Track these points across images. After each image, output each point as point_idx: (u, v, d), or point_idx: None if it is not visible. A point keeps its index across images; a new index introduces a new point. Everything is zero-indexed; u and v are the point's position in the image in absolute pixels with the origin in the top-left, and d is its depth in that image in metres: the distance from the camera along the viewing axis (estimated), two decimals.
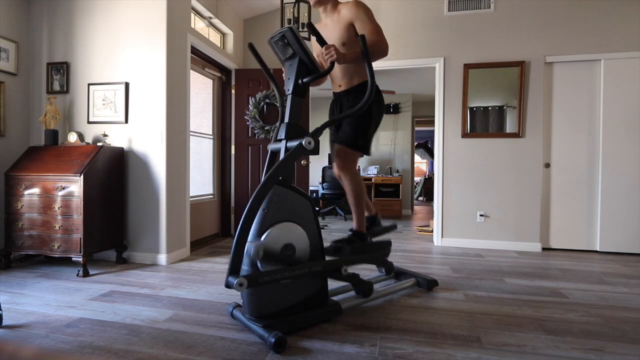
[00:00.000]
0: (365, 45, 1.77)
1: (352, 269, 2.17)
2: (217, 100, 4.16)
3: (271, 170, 1.67)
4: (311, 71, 1.82)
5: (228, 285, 1.53)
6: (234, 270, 1.57)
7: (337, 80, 2.14)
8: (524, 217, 3.57)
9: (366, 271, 2.68)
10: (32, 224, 2.67)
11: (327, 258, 1.91)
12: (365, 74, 2.10)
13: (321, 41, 1.87)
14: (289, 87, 1.84)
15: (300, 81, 1.81)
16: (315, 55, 2.22)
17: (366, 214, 2.29)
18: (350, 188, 2.09)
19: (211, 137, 4.10)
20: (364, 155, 2.13)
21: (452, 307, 2.04)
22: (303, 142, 1.70)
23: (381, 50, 1.95)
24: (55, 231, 2.62)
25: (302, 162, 4.00)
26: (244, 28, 4.35)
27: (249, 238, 1.65)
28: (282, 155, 1.81)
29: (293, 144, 1.76)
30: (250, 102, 4.02)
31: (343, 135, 2.07)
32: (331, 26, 2.05)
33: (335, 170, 2.12)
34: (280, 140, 1.84)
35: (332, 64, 1.79)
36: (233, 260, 1.57)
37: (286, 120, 1.84)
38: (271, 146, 1.92)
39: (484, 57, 3.64)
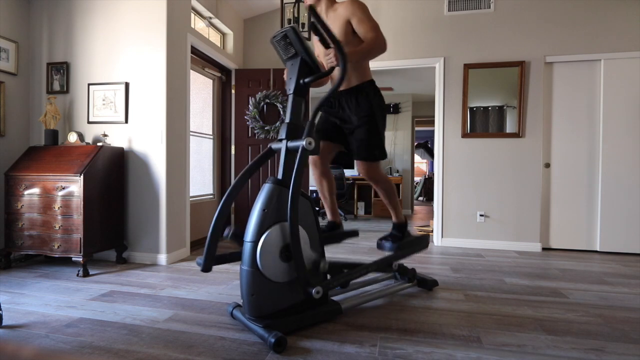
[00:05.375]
0: (314, 12, 1.76)
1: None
2: (217, 100, 4.17)
3: (292, 186, 1.66)
4: (313, 71, 1.81)
5: (308, 293, 1.66)
6: (308, 282, 1.66)
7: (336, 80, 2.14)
8: (524, 217, 3.57)
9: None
10: (32, 224, 2.67)
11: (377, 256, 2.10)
12: (364, 74, 2.10)
13: (324, 42, 1.87)
14: (290, 87, 1.84)
15: (302, 81, 1.81)
16: (316, 54, 2.22)
17: (330, 218, 2.31)
18: (383, 191, 2.24)
19: (211, 137, 4.10)
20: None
21: (452, 307, 2.04)
22: (304, 144, 1.69)
23: (379, 47, 1.94)
24: (55, 231, 2.62)
25: None
26: (244, 28, 4.35)
27: (249, 238, 1.65)
28: (282, 155, 1.80)
29: (294, 144, 1.76)
30: (250, 102, 4.02)
31: (362, 152, 2.09)
32: (328, 25, 2.04)
33: (364, 176, 2.21)
34: (281, 140, 1.84)
35: (333, 67, 1.79)
36: (300, 270, 1.64)
37: (287, 119, 1.84)
38: (274, 145, 1.92)
39: (484, 57, 3.64)
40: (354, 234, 2.36)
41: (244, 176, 1.88)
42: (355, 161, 2.17)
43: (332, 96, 2.11)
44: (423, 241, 2.37)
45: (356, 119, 2.07)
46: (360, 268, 1.97)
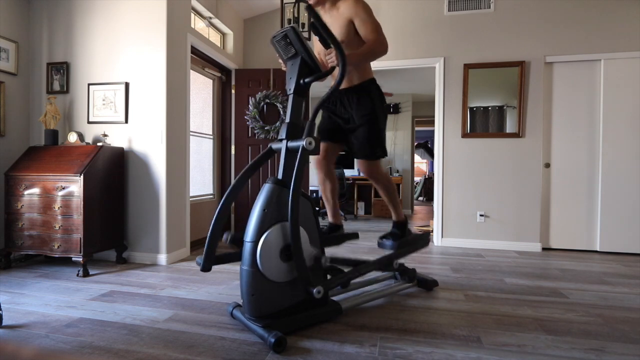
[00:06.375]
0: (313, 11, 1.76)
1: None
2: (217, 100, 4.16)
3: (292, 186, 1.66)
4: (313, 71, 1.81)
5: (309, 293, 1.65)
6: (309, 281, 1.66)
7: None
8: (524, 217, 3.57)
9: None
10: (32, 224, 2.67)
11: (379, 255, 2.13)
12: (365, 72, 2.10)
13: (324, 42, 1.87)
14: (290, 87, 1.83)
15: (302, 81, 1.80)
16: (316, 53, 2.22)
17: (331, 220, 2.31)
18: (383, 189, 2.25)
19: (211, 137, 4.10)
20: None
21: (452, 307, 2.04)
22: (304, 144, 1.69)
23: (381, 49, 1.94)
24: (55, 231, 2.62)
25: None
26: (244, 28, 4.35)
27: (249, 238, 1.65)
28: (282, 155, 1.80)
29: (294, 144, 1.76)
30: (250, 102, 4.02)
31: (363, 151, 2.10)
32: (330, 24, 2.03)
33: (365, 174, 2.22)
34: (281, 140, 1.84)
35: (333, 67, 1.79)
36: (301, 270, 1.64)
37: (287, 119, 1.84)
38: (274, 145, 1.92)
39: (484, 57, 3.64)
40: (353, 236, 2.35)
41: (244, 176, 1.89)
42: (356, 160, 2.17)
43: (333, 95, 2.11)
44: (423, 239, 2.39)
45: (358, 117, 2.07)
46: (361, 267, 1.97)
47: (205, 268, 1.78)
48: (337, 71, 2.09)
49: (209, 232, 1.79)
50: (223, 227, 1.83)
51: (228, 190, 1.83)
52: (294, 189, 1.64)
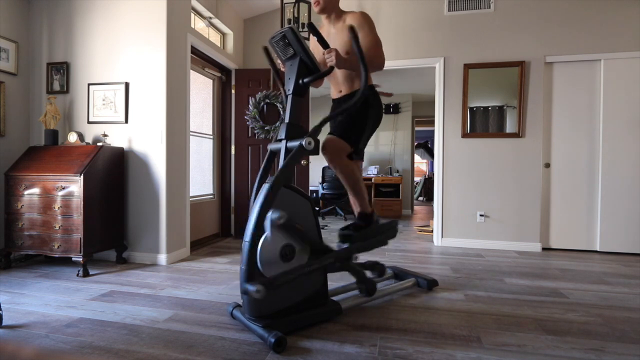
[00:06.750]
0: (356, 37, 1.75)
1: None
2: (217, 100, 4.16)
3: (276, 174, 1.66)
4: (312, 71, 1.82)
5: (245, 292, 1.54)
6: (250, 276, 1.57)
7: (338, 85, 2.14)
8: (524, 217, 3.57)
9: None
10: (32, 224, 2.67)
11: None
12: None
13: (322, 42, 1.87)
14: (289, 87, 1.84)
15: (300, 81, 1.81)
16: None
17: (358, 209, 2.11)
18: (343, 175, 2.00)
19: (211, 137, 4.10)
20: (355, 155, 2.04)
21: (452, 307, 2.04)
22: (303, 143, 1.70)
23: (378, 62, 1.96)
24: (55, 231, 2.62)
25: (302, 162, 4.00)
26: (244, 28, 4.35)
27: (248, 238, 1.65)
28: (282, 156, 1.80)
29: (293, 144, 1.76)
30: (250, 102, 4.02)
31: (336, 126, 2.02)
32: (335, 35, 2.06)
33: (327, 158, 1.99)
34: (280, 140, 1.84)
35: (332, 67, 1.80)
36: (248, 266, 1.56)
37: (286, 120, 1.84)
38: (271, 146, 1.92)
39: (484, 57, 3.64)
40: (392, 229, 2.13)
41: (260, 184, 1.87)
42: (324, 141, 1.98)
43: (336, 102, 2.13)
44: (390, 230, 2.11)
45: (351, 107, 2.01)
46: (310, 263, 1.72)
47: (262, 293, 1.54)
48: (337, 77, 2.10)
49: (247, 253, 1.61)
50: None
51: (256, 200, 1.70)
52: (276, 177, 1.64)
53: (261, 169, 1.93)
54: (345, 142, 1.98)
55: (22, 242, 2.69)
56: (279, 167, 1.77)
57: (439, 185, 3.77)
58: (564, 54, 3.50)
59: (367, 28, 1.97)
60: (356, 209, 2.11)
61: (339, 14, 2.07)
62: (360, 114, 2.03)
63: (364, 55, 1.80)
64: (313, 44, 2.23)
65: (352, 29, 1.75)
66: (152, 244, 2.96)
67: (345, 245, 1.95)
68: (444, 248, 3.64)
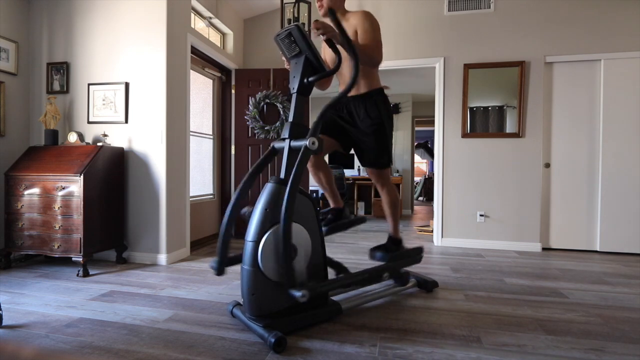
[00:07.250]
0: (336, 20, 1.75)
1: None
2: (217, 100, 4.17)
3: (290, 182, 1.64)
4: (317, 70, 1.80)
5: (292, 297, 1.59)
6: (292, 283, 1.60)
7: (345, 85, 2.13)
8: (524, 217, 3.57)
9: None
10: (32, 224, 2.67)
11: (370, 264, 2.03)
12: (373, 82, 2.10)
13: (341, 29, 1.78)
14: (294, 86, 1.82)
15: (305, 80, 1.80)
16: (322, 56, 2.21)
17: (333, 205, 2.33)
18: (387, 200, 2.26)
19: (211, 137, 4.10)
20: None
21: (452, 307, 2.04)
22: (307, 144, 1.68)
23: (372, 56, 1.95)
24: (55, 231, 2.62)
25: None
26: (244, 28, 4.35)
27: (250, 237, 1.65)
28: (285, 154, 1.79)
29: (297, 143, 1.75)
30: (250, 102, 4.02)
31: (370, 159, 2.15)
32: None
33: (374, 181, 2.26)
34: (284, 139, 1.83)
35: (339, 62, 1.78)
36: (288, 273, 1.58)
37: (290, 119, 1.83)
38: (276, 144, 1.91)
39: (484, 57, 3.64)
40: (360, 220, 2.36)
41: (252, 176, 1.86)
42: (379, 180, 2.22)
43: (341, 101, 2.13)
44: (417, 256, 2.31)
45: (365, 126, 2.09)
46: (348, 276, 1.96)
47: (220, 272, 1.77)
48: (345, 76, 2.09)
49: (221, 235, 1.77)
50: (230, 229, 1.80)
51: (237, 191, 1.82)
52: (292, 185, 1.63)
53: (259, 160, 1.91)
54: (382, 169, 2.18)
55: (22, 242, 2.69)
56: (284, 167, 1.76)
57: (439, 185, 3.77)
58: (564, 54, 3.50)
59: (369, 26, 1.97)
60: (391, 231, 2.32)
61: (344, 14, 2.07)
62: (380, 134, 2.09)
63: (355, 44, 1.83)
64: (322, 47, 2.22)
65: (331, 12, 1.77)
66: (152, 244, 2.96)
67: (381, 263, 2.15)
68: (444, 248, 3.64)
